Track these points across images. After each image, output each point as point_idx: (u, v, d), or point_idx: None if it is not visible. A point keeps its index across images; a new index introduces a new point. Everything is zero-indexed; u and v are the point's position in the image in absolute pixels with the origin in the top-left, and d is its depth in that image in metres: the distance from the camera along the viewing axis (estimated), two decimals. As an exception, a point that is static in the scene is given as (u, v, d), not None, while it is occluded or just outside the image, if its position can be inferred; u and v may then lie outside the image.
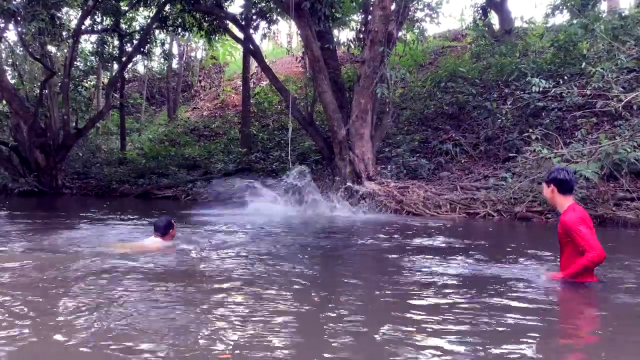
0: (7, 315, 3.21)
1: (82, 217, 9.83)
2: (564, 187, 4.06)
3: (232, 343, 2.75)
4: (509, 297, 3.83)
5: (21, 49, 19.37)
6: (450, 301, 3.70)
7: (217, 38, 21.04)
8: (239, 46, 22.39)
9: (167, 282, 4.14)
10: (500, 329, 3.08)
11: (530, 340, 2.90)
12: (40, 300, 3.61)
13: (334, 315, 3.35)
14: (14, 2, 14.66)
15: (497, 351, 2.70)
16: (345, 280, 4.53)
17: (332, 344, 2.81)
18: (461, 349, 2.74)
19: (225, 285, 4.16)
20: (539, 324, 3.24)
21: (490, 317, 3.28)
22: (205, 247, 5.96)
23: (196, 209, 11.50)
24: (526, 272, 4.63)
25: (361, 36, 15.30)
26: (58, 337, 2.82)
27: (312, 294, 3.99)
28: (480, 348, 2.73)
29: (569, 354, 2.82)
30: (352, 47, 16.29)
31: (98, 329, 2.94)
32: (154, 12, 18.70)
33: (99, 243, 6.09)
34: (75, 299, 3.59)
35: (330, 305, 3.62)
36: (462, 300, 3.72)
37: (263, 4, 17.24)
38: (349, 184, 12.40)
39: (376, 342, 2.83)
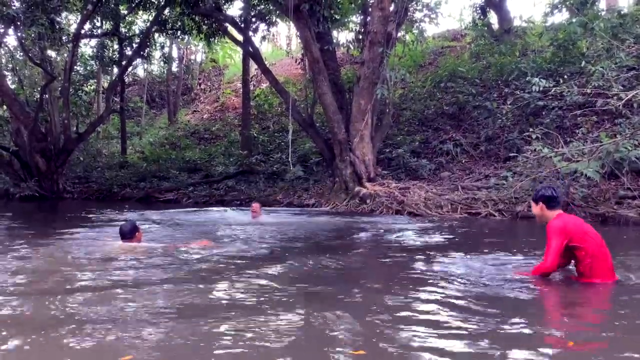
0: (8, 322, 3.21)
1: (82, 222, 9.83)
2: (552, 203, 4.27)
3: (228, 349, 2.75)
4: (512, 296, 3.82)
5: (21, 54, 19.39)
6: (455, 301, 3.70)
7: (216, 41, 21.05)
8: (239, 49, 22.40)
9: (164, 288, 4.14)
10: (503, 330, 3.08)
11: (532, 339, 2.90)
12: (40, 309, 3.61)
13: (336, 314, 3.35)
14: (13, 7, 14.69)
15: (501, 352, 2.70)
16: (346, 282, 4.53)
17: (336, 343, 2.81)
18: (468, 351, 2.74)
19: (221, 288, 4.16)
20: (542, 322, 3.24)
21: (493, 317, 3.28)
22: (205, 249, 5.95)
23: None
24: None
25: (360, 37, 15.34)
26: (58, 346, 2.82)
27: (315, 295, 3.99)
28: (485, 349, 2.73)
29: (572, 354, 2.81)
30: (352, 48, 16.31)
31: (98, 339, 2.94)
32: (153, 15, 18.73)
33: (95, 249, 6.09)
34: (74, 308, 3.60)
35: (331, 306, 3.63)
36: (467, 304, 3.71)
37: (262, 7, 17.26)
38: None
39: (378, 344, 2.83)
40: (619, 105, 9.10)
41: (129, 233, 5.77)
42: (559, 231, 4.05)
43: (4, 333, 2.95)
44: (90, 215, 11.03)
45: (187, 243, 6.15)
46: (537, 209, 4.35)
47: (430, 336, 2.93)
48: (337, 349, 2.76)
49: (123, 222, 6.06)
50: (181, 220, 9.77)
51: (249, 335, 2.92)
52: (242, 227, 8.74)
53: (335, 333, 3.02)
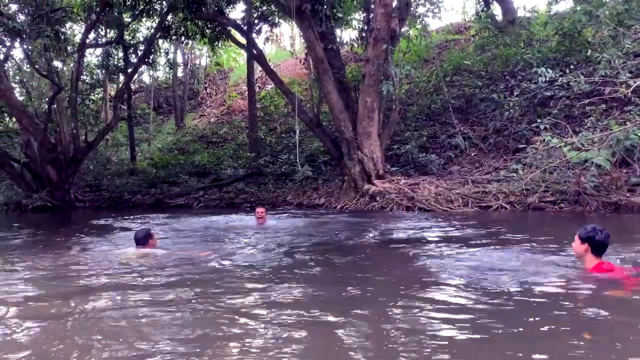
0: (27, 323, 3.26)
1: (95, 230, 9.91)
2: (598, 249, 3.94)
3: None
4: (526, 291, 3.81)
5: (28, 66, 19.57)
6: (467, 299, 3.69)
7: (220, 44, 21.11)
8: (243, 51, 22.46)
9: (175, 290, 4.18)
10: (523, 333, 3.07)
11: (550, 336, 2.89)
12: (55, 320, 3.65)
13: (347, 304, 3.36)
14: (19, 21, 14.81)
15: (512, 348, 2.70)
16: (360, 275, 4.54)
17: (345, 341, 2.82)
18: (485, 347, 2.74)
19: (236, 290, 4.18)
20: (556, 314, 3.23)
21: (510, 319, 3.27)
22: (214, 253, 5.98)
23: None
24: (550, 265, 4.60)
25: (364, 35, 15.29)
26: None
27: (328, 290, 4.00)
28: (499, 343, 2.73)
29: (583, 345, 2.80)
30: (356, 46, 16.28)
31: (114, 342, 2.97)
32: (157, 22, 18.81)
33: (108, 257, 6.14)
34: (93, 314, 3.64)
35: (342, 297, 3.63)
36: (480, 301, 3.71)
37: (264, 8, 17.28)
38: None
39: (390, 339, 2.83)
40: (628, 93, 9.03)
41: (143, 239, 5.85)
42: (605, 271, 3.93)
43: (31, 333, 3.00)
44: (103, 223, 11.11)
45: (202, 252, 6.10)
46: (580, 247, 3.99)
47: (446, 345, 2.90)
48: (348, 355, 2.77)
49: (138, 229, 6.12)
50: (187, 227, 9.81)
51: (255, 343, 2.94)
52: (249, 233, 8.48)
53: (345, 339, 3.02)
